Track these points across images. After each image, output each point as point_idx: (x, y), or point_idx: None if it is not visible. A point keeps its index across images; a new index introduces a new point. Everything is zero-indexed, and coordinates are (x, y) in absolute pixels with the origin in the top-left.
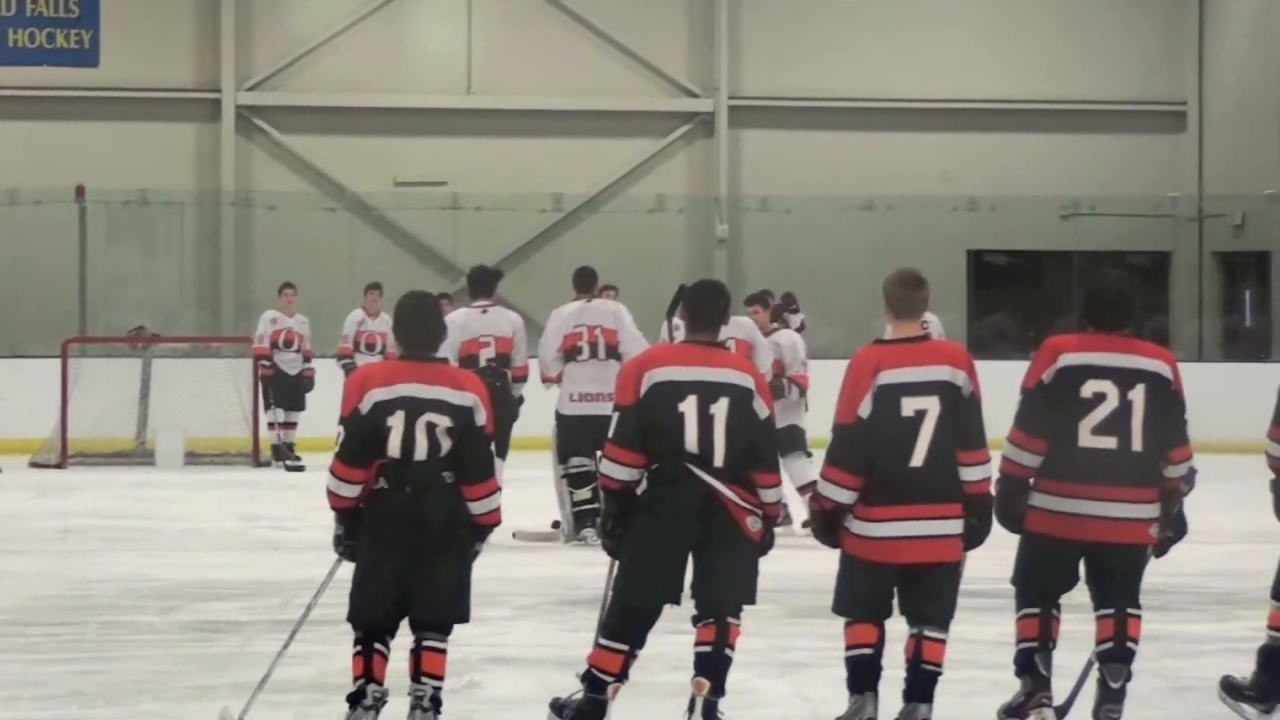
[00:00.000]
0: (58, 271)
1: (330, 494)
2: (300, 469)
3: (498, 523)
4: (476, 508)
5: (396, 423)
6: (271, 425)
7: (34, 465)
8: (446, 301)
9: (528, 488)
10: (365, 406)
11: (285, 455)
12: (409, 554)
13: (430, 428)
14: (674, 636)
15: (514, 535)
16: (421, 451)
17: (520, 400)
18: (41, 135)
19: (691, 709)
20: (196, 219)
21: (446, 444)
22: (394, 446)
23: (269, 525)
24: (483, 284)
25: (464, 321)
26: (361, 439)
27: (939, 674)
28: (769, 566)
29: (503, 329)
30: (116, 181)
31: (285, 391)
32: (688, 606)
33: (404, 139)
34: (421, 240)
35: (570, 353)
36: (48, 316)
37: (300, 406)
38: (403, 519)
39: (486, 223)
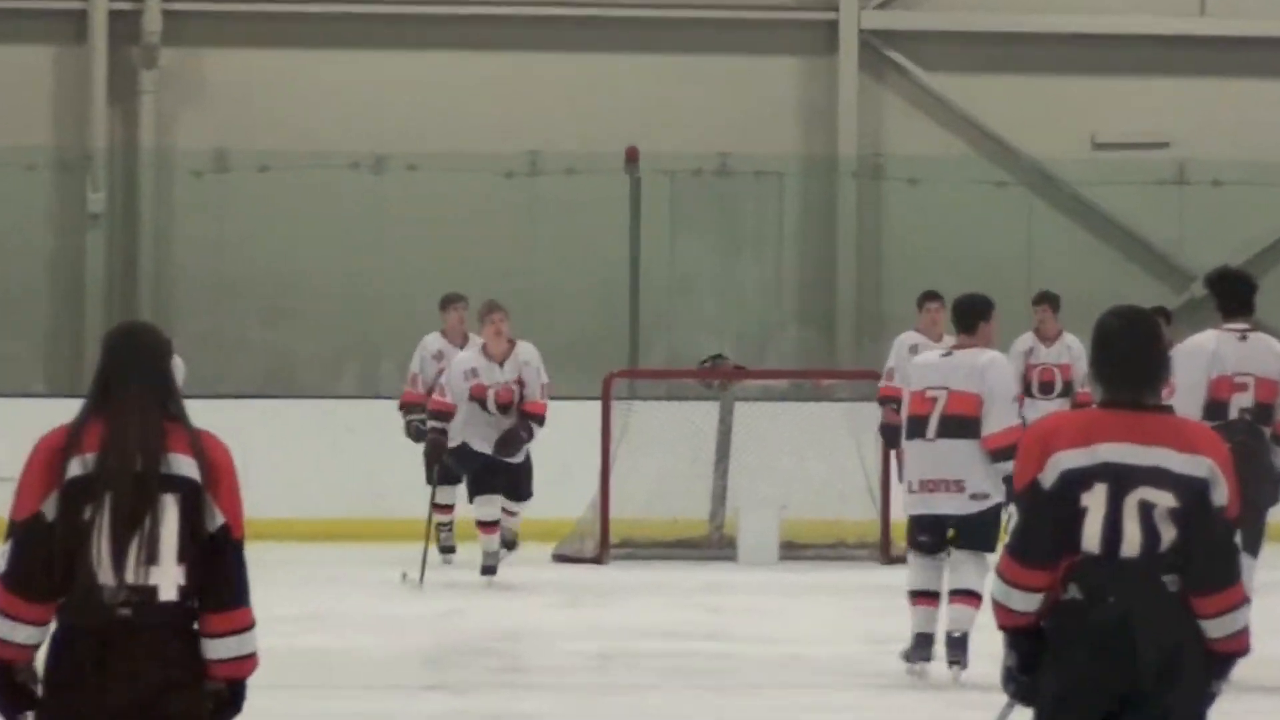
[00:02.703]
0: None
1: (999, 606)
2: None
3: (1245, 650)
4: (1212, 628)
5: (1096, 502)
6: None
7: None
8: (1163, 319)
9: None
10: (1049, 478)
11: None
12: (1115, 694)
13: (1145, 509)
14: None
15: None
16: (1133, 544)
17: None
18: None
19: None
20: (801, 194)
21: (1170, 533)
22: (1091, 536)
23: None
24: (1237, 295)
25: (1215, 349)
26: (1045, 525)
27: None
28: None
29: (1267, 365)
30: (684, 145)
31: None
32: None
33: (1105, 80)
34: (1132, 227)
35: None
36: None
37: None
38: (1105, 643)
39: (1226, 203)
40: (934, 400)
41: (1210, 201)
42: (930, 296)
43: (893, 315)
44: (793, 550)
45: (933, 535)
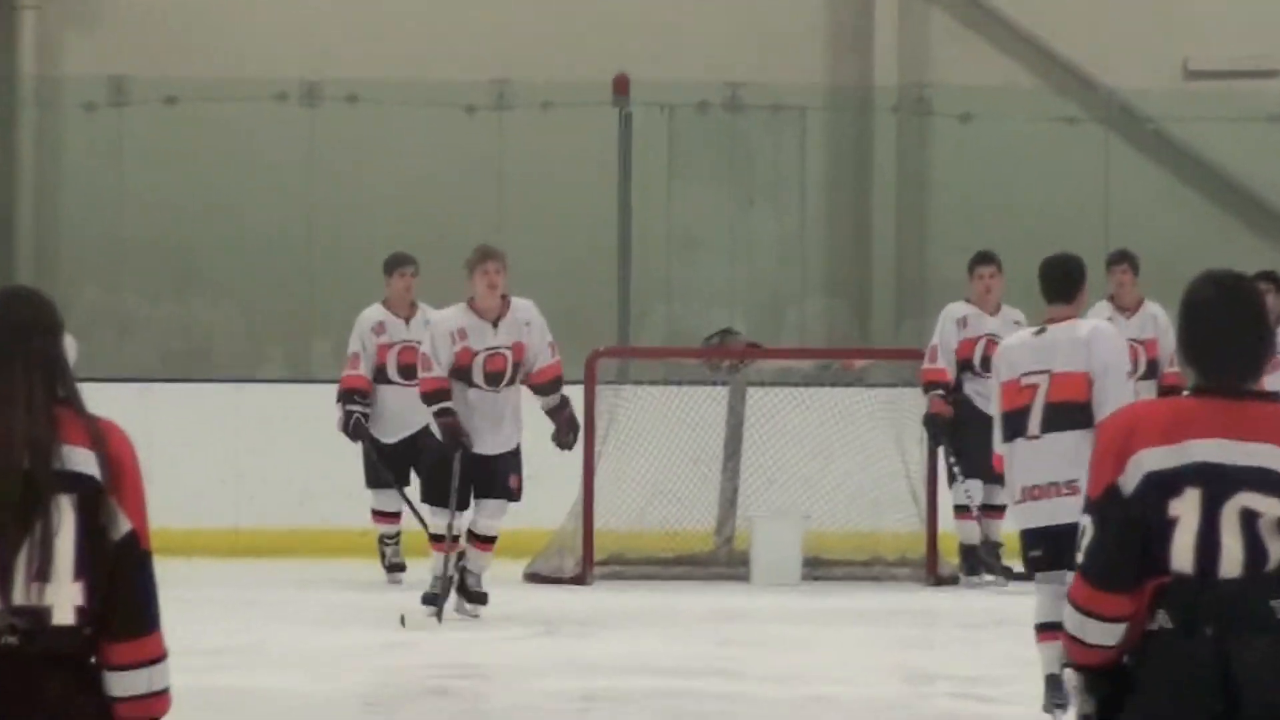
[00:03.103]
0: None
1: (1072, 640)
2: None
3: None
4: None
5: (1188, 510)
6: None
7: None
8: (1270, 288)
9: None
10: (1130, 482)
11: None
12: None
13: (1249, 519)
14: None
15: None
16: (1234, 561)
17: None
18: None
19: None
20: (828, 133)
21: (1277, 544)
22: (1182, 552)
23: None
24: None
25: None
26: (1126, 540)
27: None
28: None
29: None
30: (685, 73)
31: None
32: None
33: None
34: (1233, 172)
35: None
36: None
37: None
38: (1199, 682)
39: None
40: (1034, 388)
41: None
42: (984, 259)
43: (939, 281)
44: (818, 569)
45: (1048, 551)
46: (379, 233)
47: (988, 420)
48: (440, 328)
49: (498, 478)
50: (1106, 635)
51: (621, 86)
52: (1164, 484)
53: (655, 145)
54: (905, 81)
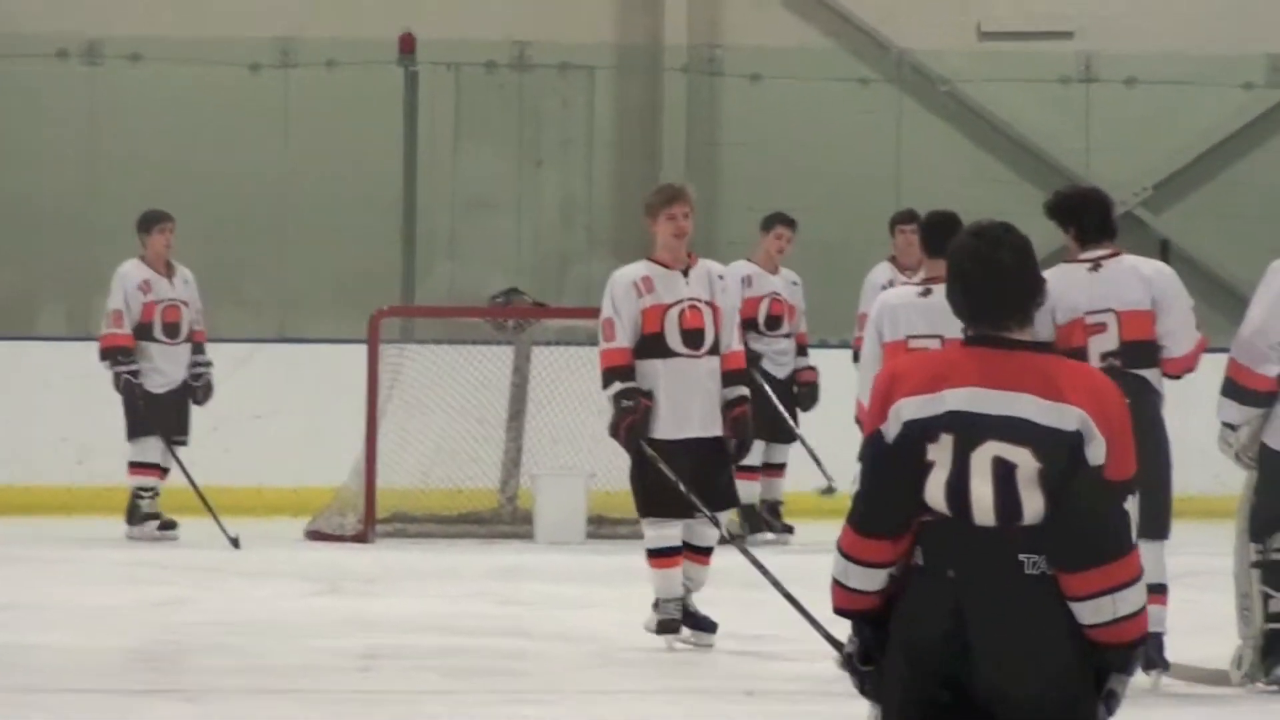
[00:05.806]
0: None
1: (835, 585)
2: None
3: (1136, 639)
4: (1085, 612)
5: (942, 456)
6: None
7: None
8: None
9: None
10: (891, 430)
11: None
12: (952, 683)
13: (1002, 469)
14: None
15: None
16: (985, 509)
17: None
18: None
19: None
20: (616, 92)
21: (1035, 502)
22: (936, 492)
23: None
24: (1098, 218)
25: (1057, 289)
26: (888, 486)
27: None
28: None
29: (1130, 293)
30: (472, 31)
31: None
32: None
33: None
34: (1027, 134)
35: None
36: None
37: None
38: (934, 622)
39: (1142, 106)
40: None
41: (1122, 104)
42: (786, 221)
43: (729, 242)
44: (602, 527)
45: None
46: (162, 191)
47: (769, 379)
48: (620, 281)
49: (719, 480)
50: (866, 580)
51: (407, 45)
52: (921, 431)
53: (442, 104)
54: (695, 41)
